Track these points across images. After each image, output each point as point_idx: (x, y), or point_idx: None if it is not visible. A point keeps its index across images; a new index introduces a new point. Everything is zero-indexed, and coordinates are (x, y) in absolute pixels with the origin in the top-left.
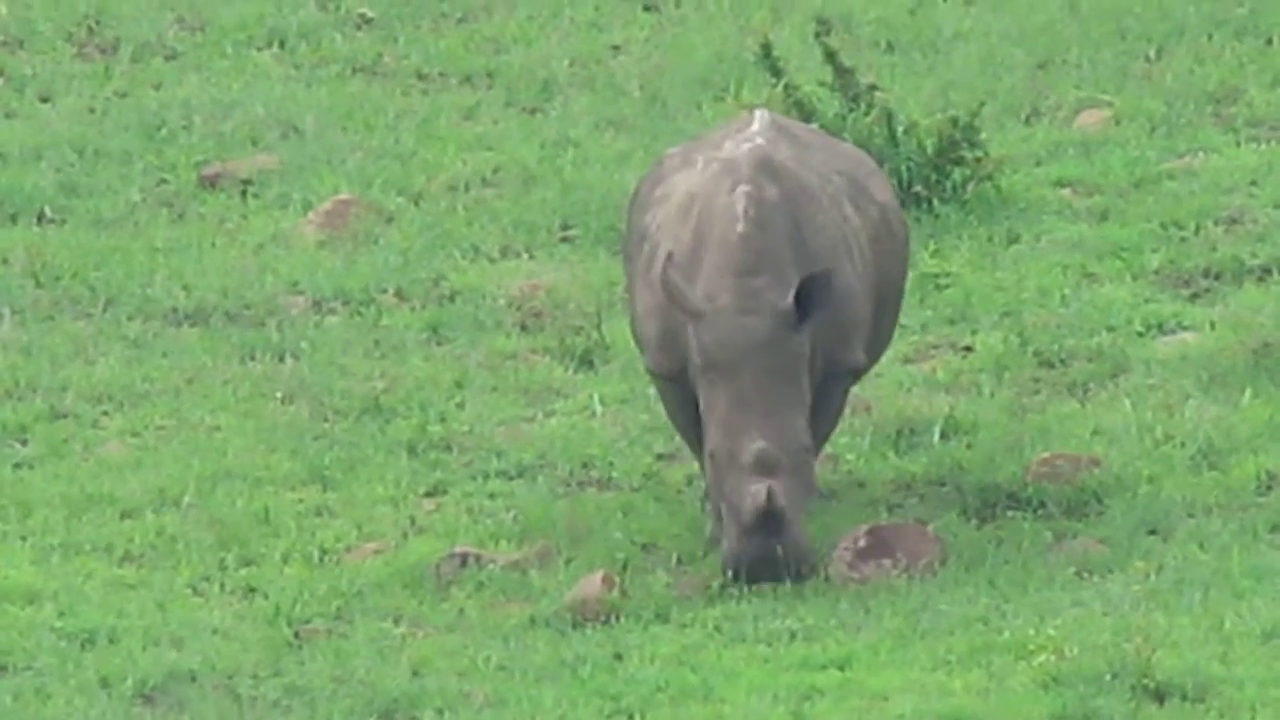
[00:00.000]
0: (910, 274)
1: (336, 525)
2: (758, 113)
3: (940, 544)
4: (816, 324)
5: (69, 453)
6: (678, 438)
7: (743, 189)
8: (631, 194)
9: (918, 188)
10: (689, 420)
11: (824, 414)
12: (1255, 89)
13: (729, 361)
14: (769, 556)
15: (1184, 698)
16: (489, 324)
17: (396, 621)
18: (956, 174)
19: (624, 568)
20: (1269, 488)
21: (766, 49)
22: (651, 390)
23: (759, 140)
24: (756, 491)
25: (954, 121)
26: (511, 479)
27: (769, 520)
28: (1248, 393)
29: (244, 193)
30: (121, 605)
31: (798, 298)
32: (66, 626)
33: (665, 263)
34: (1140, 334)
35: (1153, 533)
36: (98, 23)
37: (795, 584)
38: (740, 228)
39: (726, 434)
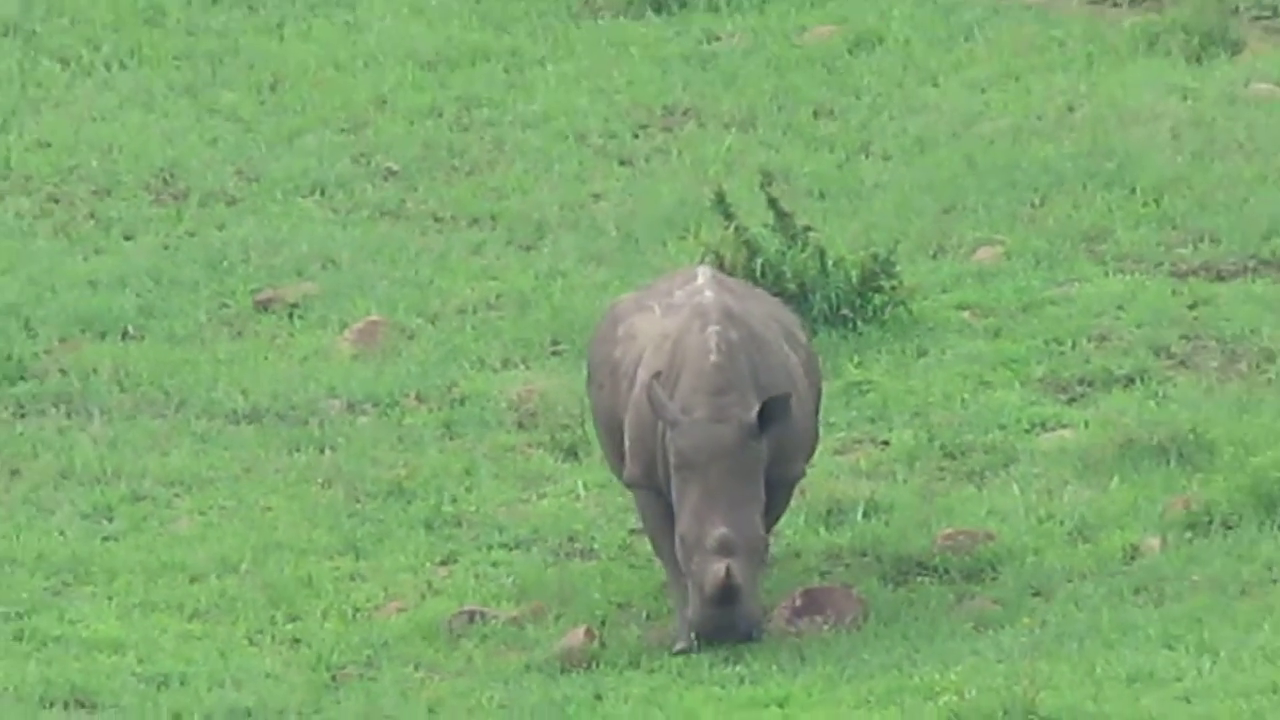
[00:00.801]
0: (836, 381)
1: (367, 588)
2: (700, 269)
3: (863, 604)
4: (773, 437)
5: (147, 528)
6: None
7: (713, 329)
8: (592, 336)
9: (844, 311)
10: (659, 523)
11: (772, 513)
12: (1121, 230)
13: (700, 462)
14: (725, 623)
15: None
16: (493, 422)
17: (416, 667)
18: (876, 299)
19: (602, 623)
20: (1133, 558)
21: (720, 197)
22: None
23: (708, 294)
24: (717, 569)
25: (874, 257)
26: (511, 549)
27: (726, 593)
28: (1115, 479)
29: (291, 314)
30: (190, 654)
31: (760, 413)
32: (145, 671)
33: (651, 380)
34: (1027, 431)
35: (1037, 594)
36: (171, 174)
37: (739, 640)
38: (713, 358)
39: (695, 521)
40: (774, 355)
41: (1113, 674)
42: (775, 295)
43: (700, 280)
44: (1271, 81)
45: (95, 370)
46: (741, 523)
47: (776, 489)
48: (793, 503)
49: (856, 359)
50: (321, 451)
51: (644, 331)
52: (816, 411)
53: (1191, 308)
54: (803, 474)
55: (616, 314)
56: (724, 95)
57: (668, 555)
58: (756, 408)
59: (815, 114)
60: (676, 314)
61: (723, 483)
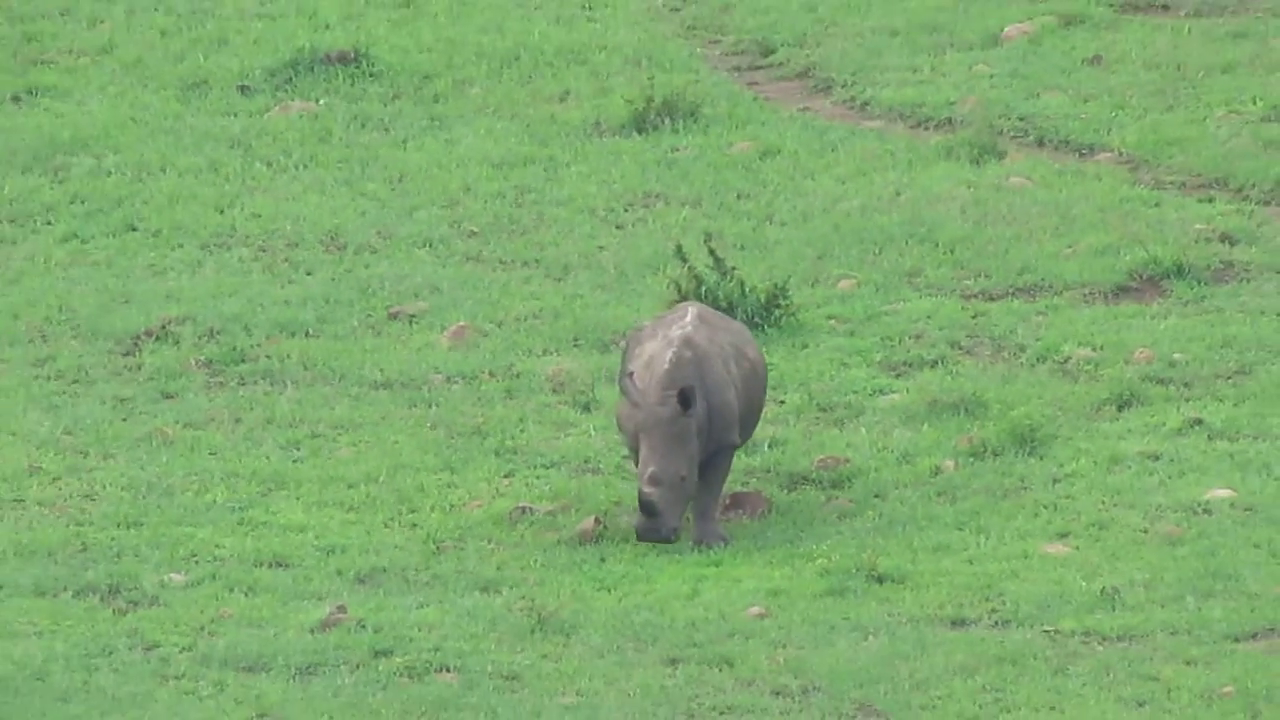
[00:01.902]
0: None
1: (458, 492)
2: (689, 306)
3: (767, 503)
4: (701, 416)
5: (321, 455)
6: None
7: (671, 351)
8: (624, 350)
9: (756, 320)
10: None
11: (715, 471)
12: (929, 269)
13: (648, 428)
14: (653, 529)
15: (894, 580)
16: (537, 389)
17: (489, 542)
18: (776, 313)
19: (605, 514)
20: (936, 474)
21: (679, 250)
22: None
23: (688, 328)
24: (647, 493)
25: (774, 286)
26: (548, 469)
27: (649, 509)
28: (925, 425)
29: (410, 322)
30: (347, 533)
31: (679, 399)
32: (318, 543)
33: (626, 378)
34: (870, 395)
35: (877, 496)
36: (335, 234)
37: (660, 541)
38: (665, 368)
39: (641, 464)
40: (716, 369)
41: (923, 546)
42: (736, 321)
43: (687, 316)
44: (1023, 177)
45: (288, 356)
46: (667, 466)
47: (718, 452)
48: None
49: (764, 351)
50: (429, 407)
51: (645, 354)
52: (756, 405)
53: (973, 318)
54: (739, 443)
55: (638, 338)
56: (681, 185)
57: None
58: (687, 394)
59: (738, 197)
60: (661, 341)
61: (659, 442)
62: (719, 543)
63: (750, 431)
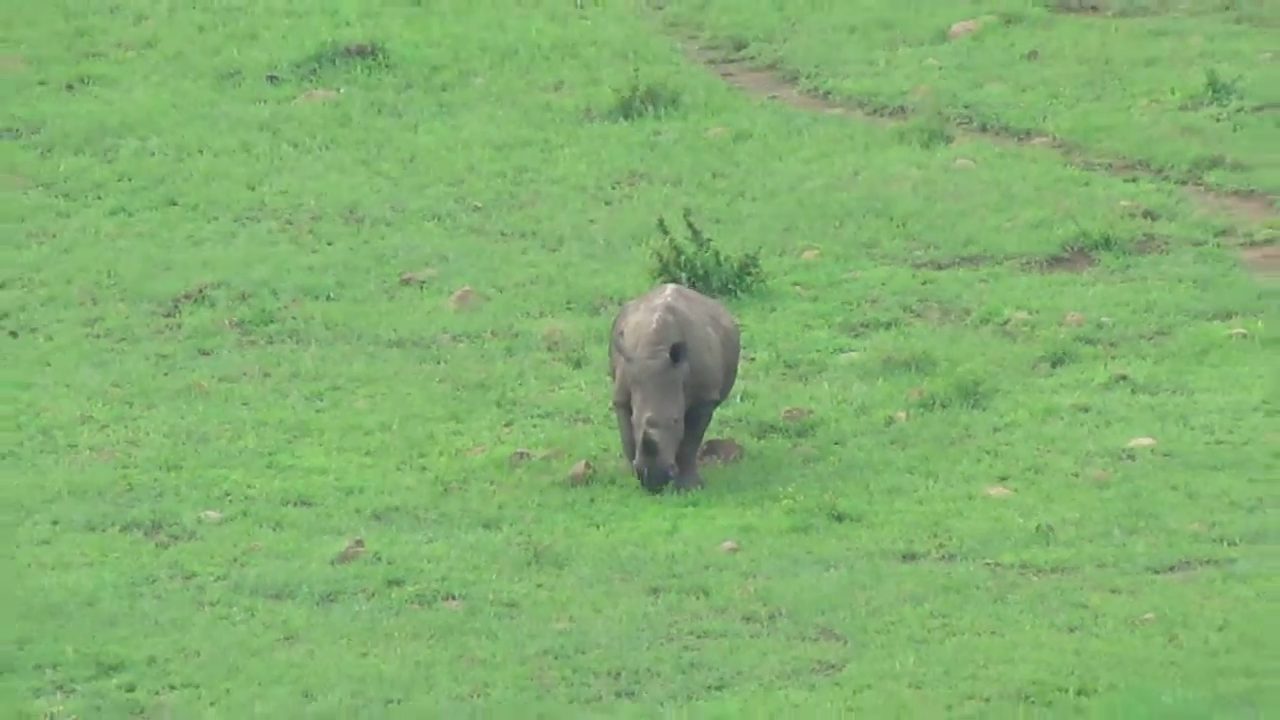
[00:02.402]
0: None
1: (463, 439)
2: (668, 286)
3: (739, 450)
4: (686, 371)
5: (340, 405)
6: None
7: (656, 315)
8: (613, 323)
9: (730, 286)
10: (625, 431)
11: (696, 424)
12: (884, 240)
13: (641, 380)
14: (652, 467)
15: (852, 519)
16: (534, 347)
17: (490, 484)
18: (747, 280)
19: (595, 459)
20: (889, 424)
21: (661, 223)
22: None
23: (669, 299)
24: (647, 433)
25: (746, 256)
26: (544, 418)
27: (649, 448)
28: (880, 379)
29: (421, 287)
30: (364, 476)
31: (671, 353)
32: (338, 484)
33: (618, 335)
34: (832, 353)
35: (837, 444)
36: (354, 209)
37: (661, 479)
38: (653, 328)
39: (638, 411)
40: (697, 331)
41: (879, 489)
42: (711, 297)
43: (666, 291)
44: (968, 159)
45: (311, 318)
46: (661, 411)
47: (698, 406)
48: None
49: (737, 314)
50: (437, 363)
51: (631, 322)
52: (731, 367)
53: (923, 284)
54: (717, 401)
55: (623, 314)
56: (663, 165)
57: (626, 440)
58: (676, 347)
59: (713, 175)
60: (645, 311)
61: (652, 391)
62: (696, 486)
63: (727, 391)
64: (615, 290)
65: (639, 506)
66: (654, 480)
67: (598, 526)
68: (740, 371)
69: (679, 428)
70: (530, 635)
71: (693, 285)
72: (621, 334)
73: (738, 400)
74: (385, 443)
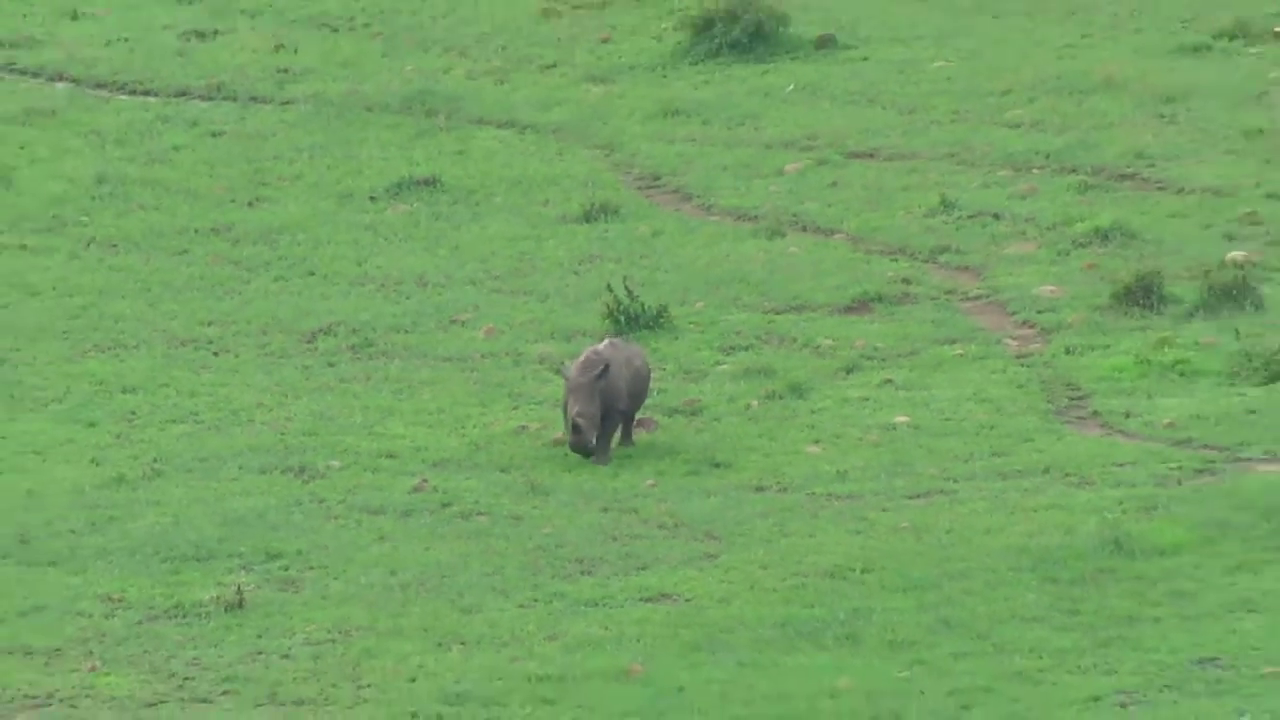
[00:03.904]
0: (654, 368)
1: (488, 417)
2: (608, 339)
3: (656, 423)
4: (603, 386)
5: (375, 381)
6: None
7: (586, 352)
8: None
9: (650, 324)
10: (565, 418)
11: (608, 424)
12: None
13: (574, 390)
14: (579, 445)
15: (725, 465)
16: (532, 361)
17: (505, 444)
18: (661, 320)
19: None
20: (749, 407)
21: (609, 286)
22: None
23: (603, 348)
24: (575, 420)
25: (661, 306)
26: (538, 405)
27: (576, 431)
28: (741, 382)
29: (463, 325)
30: (377, 442)
31: (596, 376)
32: (361, 448)
33: (561, 366)
34: (712, 365)
35: (715, 420)
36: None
37: (584, 452)
38: (581, 361)
39: (571, 407)
40: (613, 367)
41: (740, 447)
42: (638, 335)
43: (604, 342)
44: (795, 247)
45: (396, 344)
46: (585, 408)
47: (609, 412)
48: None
49: (654, 344)
50: (472, 371)
51: (576, 361)
52: (636, 393)
53: (769, 324)
54: (623, 411)
55: (575, 358)
56: (610, 251)
57: (566, 426)
58: (597, 373)
59: (641, 257)
60: (584, 353)
61: (580, 396)
62: (606, 463)
63: (634, 407)
64: (582, 327)
65: (581, 469)
66: (580, 450)
67: (570, 471)
68: (658, 376)
69: (596, 420)
70: (528, 537)
71: (628, 324)
72: (564, 363)
73: (655, 394)
74: (440, 419)
